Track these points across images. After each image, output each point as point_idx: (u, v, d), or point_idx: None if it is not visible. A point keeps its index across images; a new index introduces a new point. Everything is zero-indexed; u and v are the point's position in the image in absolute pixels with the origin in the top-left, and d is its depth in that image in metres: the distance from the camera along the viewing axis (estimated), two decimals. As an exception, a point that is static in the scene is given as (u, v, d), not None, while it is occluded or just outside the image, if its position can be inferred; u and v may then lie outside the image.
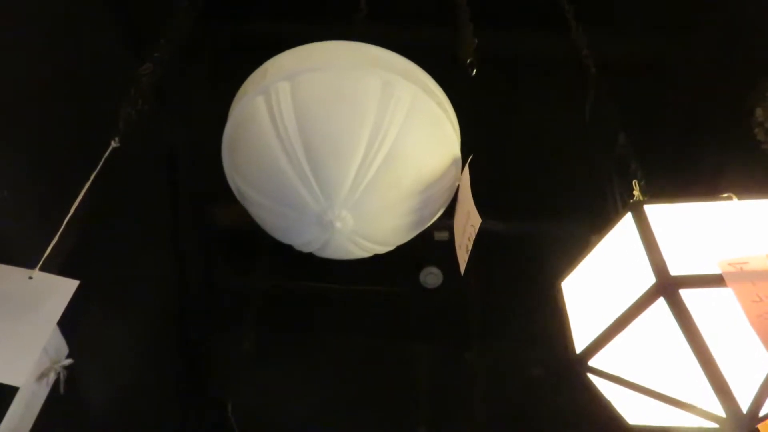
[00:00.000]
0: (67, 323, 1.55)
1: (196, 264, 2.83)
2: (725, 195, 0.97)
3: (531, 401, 2.90)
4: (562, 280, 1.10)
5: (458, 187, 1.25)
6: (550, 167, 2.68)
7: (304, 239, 1.18)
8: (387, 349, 3.09)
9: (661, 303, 0.87)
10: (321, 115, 1.08)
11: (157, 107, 2.38)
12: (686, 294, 0.86)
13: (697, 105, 2.47)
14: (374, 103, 1.08)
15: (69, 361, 1.64)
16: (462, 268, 1.20)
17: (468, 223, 1.12)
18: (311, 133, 1.08)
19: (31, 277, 1.01)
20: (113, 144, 1.26)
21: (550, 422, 2.77)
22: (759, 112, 2.11)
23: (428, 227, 2.87)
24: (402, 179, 1.12)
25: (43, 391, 1.53)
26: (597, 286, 1.02)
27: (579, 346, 0.99)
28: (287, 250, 3.04)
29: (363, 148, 1.08)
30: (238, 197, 1.28)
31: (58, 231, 1.12)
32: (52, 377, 1.60)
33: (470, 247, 1.15)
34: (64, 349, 1.65)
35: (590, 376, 1.00)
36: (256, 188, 1.16)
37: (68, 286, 1.01)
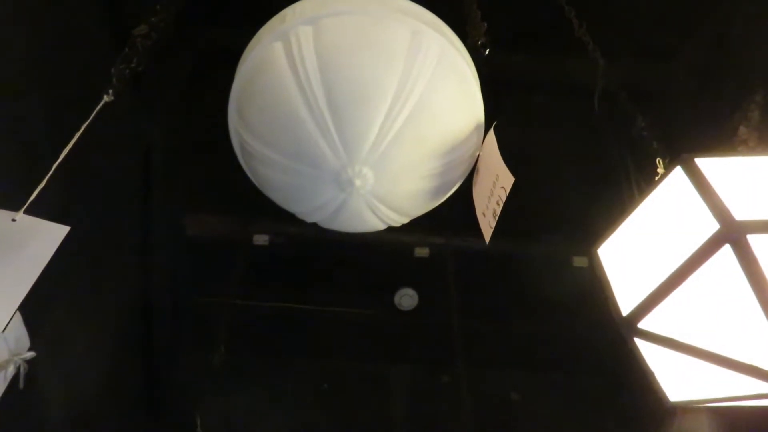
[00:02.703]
0: (31, 315, 1.41)
1: (164, 276, 2.67)
2: (777, 150, 0.93)
3: (510, 426, 2.80)
4: (597, 247, 1.02)
5: (478, 156, 1.18)
6: (537, 187, 2.65)
7: (318, 202, 1.09)
8: (361, 373, 2.96)
9: (725, 251, 0.81)
10: (346, 61, 1.00)
11: (135, 108, 2.28)
12: (754, 240, 0.80)
13: (681, 125, 2.49)
14: (403, 52, 1.01)
15: (31, 354, 1.48)
16: (487, 237, 1.12)
17: (497, 185, 1.05)
18: (335, 81, 1.00)
19: (14, 220, 0.88)
20: (106, 98, 1.16)
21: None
22: (743, 130, 2.13)
23: (410, 243, 2.80)
24: (428, 136, 1.04)
25: (0, 384, 1.36)
26: (642, 247, 0.95)
27: (626, 308, 0.91)
28: (260, 267, 2.92)
29: (390, 99, 1.00)
30: (241, 158, 1.18)
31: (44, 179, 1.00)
32: (11, 370, 1.43)
33: (498, 213, 1.07)
34: (26, 341, 1.49)
35: (638, 341, 0.92)
36: (269, 142, 1.06)
37: (57, 232, 0.88)
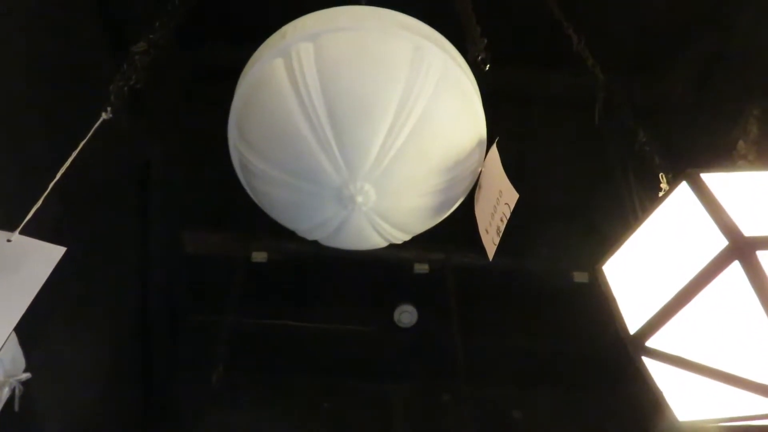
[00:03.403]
0: (26, 335, 1.39)
1: (162, 293, 2.65)
2: (783, 164, 0.92)
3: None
4: (602, 264, 1.01)
5: (480, 172, 1.17)
6: (538, 202, 2.65)
7: (319, 219, 1.07)
8: (360, 390, 2.93)
9: (734, 268, 0.80)
10: (347, 76, 0.99)
11: (133, 124, 2.27)
12: (763, 257, 0.79)
13: (679, 139, 2.49)
14: (405, 67, 1.00)
15: (26, 375, 1.46)
16: (491, 254, 1.11)
17: (501, 201, 1.04)
18: (336, 96, 0.99)
19: (9, 240, 0.87)
20: (104, 115, 1.15)
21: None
22: (741, 144, 2.13)
23: (409, 259, 2.78)
24: (430, 152, 1.03)
25: (-6, 406, 1.34)
26: (648, 263, 0.94)
27: (633, 326, 0.90)
28: (259, 284, 2.90)
29: (392, 114, 0.99)
30: (241, 175, 1.16)
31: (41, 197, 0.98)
32: (6, 392, 1.41)
33: (502, 229, 1.06)
34: (22, 362, 1.47)
35: (645, 360, 0.90)
36: (269, 159, 1.05)
37: (53, 253, 0.87)
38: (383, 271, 2.81)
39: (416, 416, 2.85)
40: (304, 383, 2.88)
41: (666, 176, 1.21)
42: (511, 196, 1.01)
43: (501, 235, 1.07)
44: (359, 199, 1.01)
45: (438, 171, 1.06)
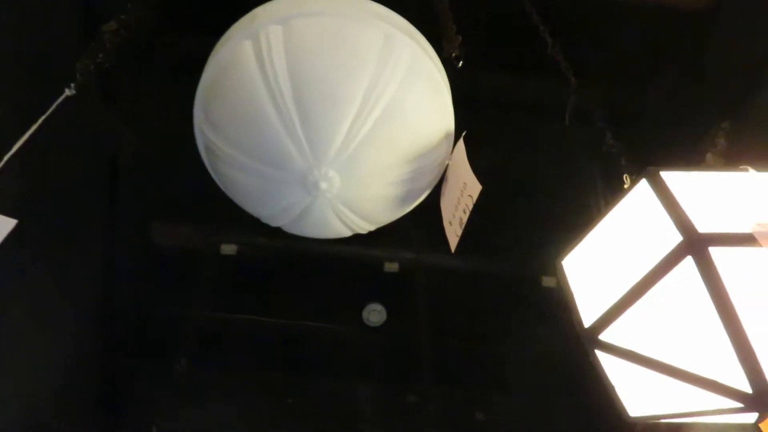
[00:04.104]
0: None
1: (128, 284, 2.61)
2: (741, 166, 0.94)
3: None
4: (562, 259, 1.02)
5: (447, 166, 1.17)
6: (509, 205, 2.66)
7: (282, 204, 1.07)
8: (326, 388, 2.91)
9: (687, 264, 0.81)
10: (315, 61, 0.99)
11: (105, 111, 2.24)
12: (715, 253, 0.80)
13: (650, 149, 2.52)
14: (374, 55, 1.00)
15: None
16: (453, 245, 1.11)
17: (464, 193, 1.04)
18: (303, 81, 0.98)
19: (-41, 210, 0.85)
20: (68, 92, 1.13)
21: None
22: (709, 156, 2.17)
23: (380, 257, 2.78)
24: (396, 141, 1.03)
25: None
26: (606, 259, 0.95)
27: (588, 320, 0.91)
28: (227, 278, 2.88)
29: (359, 101, 0.99)
30: (205, 157, 1.15)
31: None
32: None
33: (465, 221, 1.06)
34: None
35: (598, 353, 0.91)
36: (234, 142, 1.04)
37: (4, 225, 0.84)
38: (353, 268, 2.79)
39: (381, 415, 2.84)
40: (270, 379, 2.85)
41: (630, 177, 1.22)
42: (475, 188, 1.02)
43: (464, 227, 1.07)
44: (323, 185, 1.01)
45: (404, 161, 1.06)
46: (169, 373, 2.58)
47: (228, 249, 2.69)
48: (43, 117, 1.07)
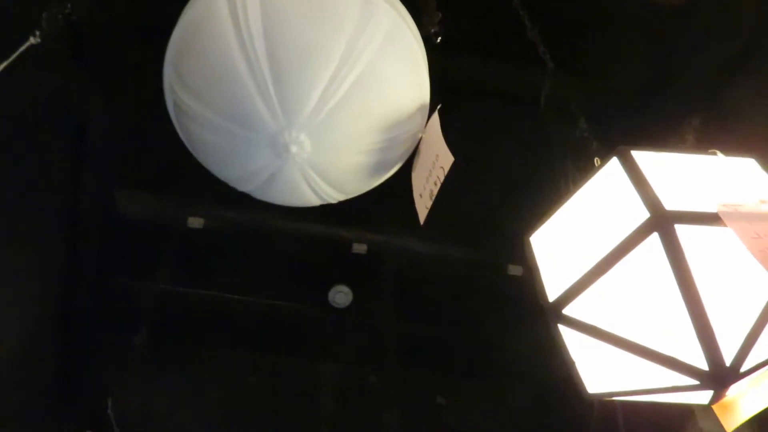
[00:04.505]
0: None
1: (91, 252, 2.56)
2: (710, 150, 0.95)
3: (434, 430, 2.79)
4: (530, 235, 1.02)
5: (420, 139, 1.16)
6: (481, 192, 2.67)
7: (251, 167, 1.04)
8: (288, 367, 2.90)
9: (653, 240, 0.81)
10: (292, 21, 0.97)
11: (71, 72, 2.18)
12: (681, 231, 0.80)
13: (621, 143, 2.54)
14: (353, 19, 0.98)
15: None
16: (422, 218, 1.10)
17: (436, 165, 1.03)
18: (279, 40, 0.96)
19: None
20: (32, 40, 1.09)
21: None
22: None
23: (348, 238, 2.77)
24: (370, 109, 1.02)
25: None
26: (574, 235, 0.95)
27: (553, 294, 0.91)
28: (193, 251, 2.84)
29: (334, 65, 0.97)
30: (173, 114, 1.12)
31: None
32: None
33: (435, 193, 1.05)
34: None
35: (561, 328, 0.91)
36: (204, 99, 1.01)
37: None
38: (322, 248, 2.78)
39: (342, 396, 2.84)
40: (232, 356, 2.83)
41: (601, 160, 1.23)
42: (447, 159, 1.01)
43: (434, 199, 1.07)
44: (294, 149, 0.99)
45: (377, 129, 1.04)
46: (129, 345, 2.55)
47: (195, 222, 2.65)
48: (6, 63, 1.03)
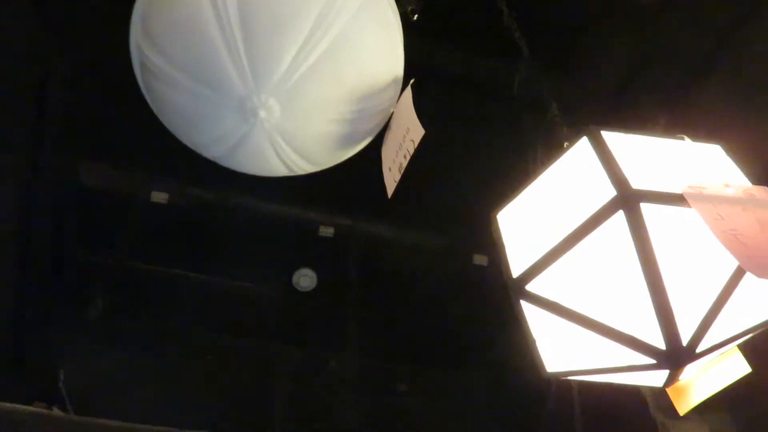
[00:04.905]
0: None
1: (48, 222, 2.49)
2: (678, 135, 0.96)
3: (393, 416, 2.79)
4: (497, 212, 1.02)
5: (392, 114, 1.15)
6: (451, 180, 2.67)
7: (218, 131, 1.02)
8: (247, 349, 2.86)
9: (618, 218, 0.81)
10: (266, -19, 0.94)
11: (36, 31, 2.10)
12: (646, 210, 0.81)
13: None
14: (328, -17, 0.96)
15: None
16: (390, 191, 1.09)
17: (407, 138, 1.02)
18: (252, 1, 0.93)
19: None
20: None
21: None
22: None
23: (316, 220, 2.74)
24: (342, 77, 1.00)
25: None
26: (541, 213, 0.95)
27: (517, 271, 0.91)
28: (155, 226, 2.78)
29: (308, 28, 0.95)
30: (141, 77, 1.09)
31: None
32: None
33: (404, 166, 1.04)
34: None
35: (524, 304, 0.91)
36: (172, 58, 0.98)
37: None
38: (288, 229, 2.75)
39: (301, 380, 2.82)
40: (190, 335, 2.78)
41: (568, 145, 1.23)
42: (417, 132, 1.00)
43: (402, 172, 1.05)
44: (262, 113, 0.97)
45: (348, 98, 1.03)
46: (84, 319, 2.49)
47: (159, 197, 2.59)
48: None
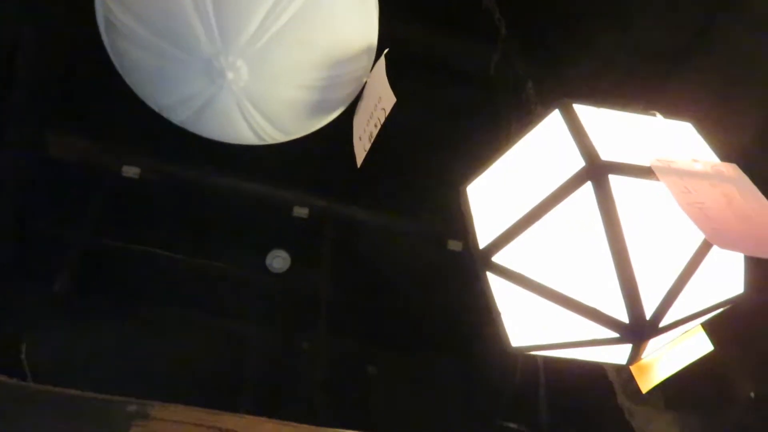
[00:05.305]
0: None
1: (12, 194, 2.43)
2: (650, 111, 0.95)
3: (362, 398, 2.79)
4: (467, 185, 1.00)
5: (365, 84, 1.13)
6: (428, 164, 2.65)
7: (184, 93, 0.99)
8: (218, 329, 2.83)
9: (586, 189, 0.81)
10: (237, -62, 0.91)
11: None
12: (614, 181, 0.80)
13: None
14: (302, -58, 0.93)
15: None
16: (359, 161, 1.07)
17: (378, 107, 1.00)
18: (221, -44, 0.91)
19: None
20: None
21: (384, 419, 2.67)
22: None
23: (290, 200, 2.71)
24: (314, 41, 0.98)
25: None
26: (510, 185, 0.94)
27: (484, 242, 0.90)
28: (125, 202, 2.73)
29: (279, -11, 0.92)
30: (105, 34, 1.05)
31: None
32: None
33: (374, 135, 1.02)
34: None
35: (489, 276, 0.90)
36: (138, 14, 0.95)
37: None
38: (262, 209, 2.72)
39: (271, 361, 2.80)
40: (159, 313, 2.74)
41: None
42: (389, 100, 0.98)
43: (372, 141, 1.04)
44: (230, 75, 0.94)
45: (319, 64, 1.00)
46: (49, 294, 2.44)
47: (130, 171, 2.54)
48: None
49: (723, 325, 1.10)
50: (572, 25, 2.40)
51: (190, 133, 1.65)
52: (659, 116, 0.94)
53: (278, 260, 2.92)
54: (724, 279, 0.90)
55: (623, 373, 1.89)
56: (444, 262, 2.78)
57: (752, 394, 1.37)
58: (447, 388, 2.76)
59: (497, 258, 0.88)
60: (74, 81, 2.38)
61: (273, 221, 2.78)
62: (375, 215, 2.77)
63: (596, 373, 1.91)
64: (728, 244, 0.69)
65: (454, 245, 2.82)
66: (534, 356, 2.29)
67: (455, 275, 2.65)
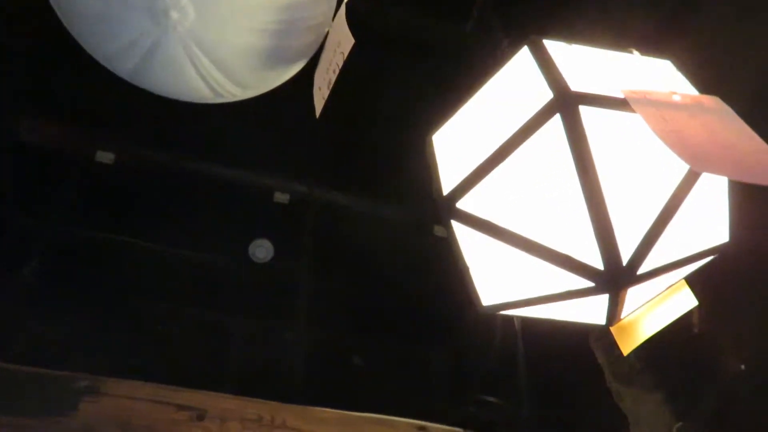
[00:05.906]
0: None
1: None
2: (627, 48, 0.88)
3: (348, 389, 2.72)
4: (433, 133, 0.93)
5: (326, 36, 1.06)
6: (412, 150, 2.58)
7: (126, 37, 0.92)
8: (200, 319, 2.76)
9: (555, 122, 0.74)
10: None
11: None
12: (586, 114, 0.73)
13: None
14: None
15: None
16: (318, 110, 1.00)
17: (337, 52, 0.93)
18: None
19: None
20: None
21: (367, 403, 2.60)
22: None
23: (270, 186, 2.64)
24: (266, -21, 0.91)
25: None
26: (477, 130, 0.87)
27: (448, 188, 0.83)
28: (100, 188, 2.66)
29: None
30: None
31: None
32: None
33: (333, 81, 0.95)
34: None
35: (454, 224, 0.83)
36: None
37: None
38: (242, 196, 2.65)
39: (254, 350, 2.73)
40: (138, 304, 2.66)
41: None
42: (348, 42, 0.91)
43: (331, 88, 0.97)
44: (174, 15, 0.87)
45: (272, 6, 0.93)
46: (19, 281, 2.36)
47: (105, 157, 2.46)
48: None
49: (711, 297, 1.04)
50: (552, 8, 2.33)
51: (167, 116, 1.57)
52: (636, 53, 0.87)
53: (261, 250, 2.85)
54: (708, 227, 0.84)
55: (611, 355, 1.83)
56: (430, 247, 2.72)
57: (742, 366, 1.31)
58: (435, 378, 2.69)
59: (462, 204, 0.81)
60: (45, 62, 2.31)
61: (253, 208, 2.72)
62: (358, 201, 2.71)
63: (584, 357, 1.84)
64: (709, 167, 0.63)
65: (441, 231, 2.75)
66: (516, 340, 2.22)
67: (441, 262, 2.59)
